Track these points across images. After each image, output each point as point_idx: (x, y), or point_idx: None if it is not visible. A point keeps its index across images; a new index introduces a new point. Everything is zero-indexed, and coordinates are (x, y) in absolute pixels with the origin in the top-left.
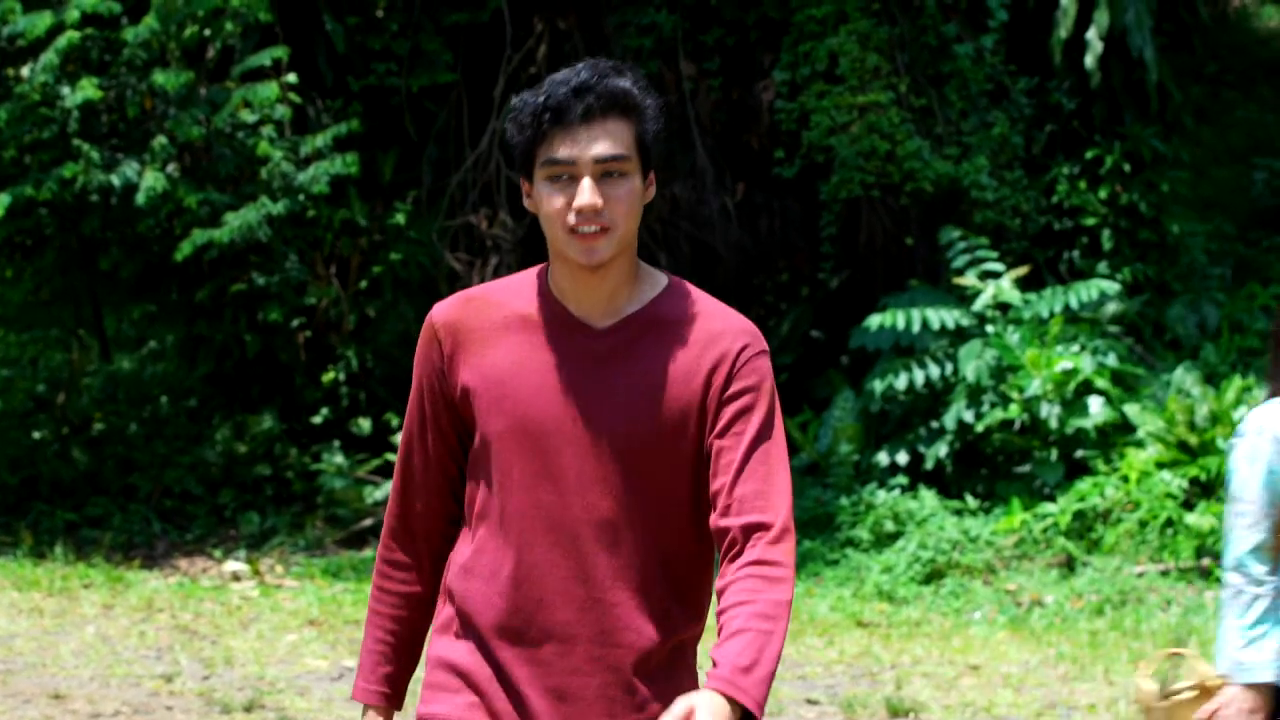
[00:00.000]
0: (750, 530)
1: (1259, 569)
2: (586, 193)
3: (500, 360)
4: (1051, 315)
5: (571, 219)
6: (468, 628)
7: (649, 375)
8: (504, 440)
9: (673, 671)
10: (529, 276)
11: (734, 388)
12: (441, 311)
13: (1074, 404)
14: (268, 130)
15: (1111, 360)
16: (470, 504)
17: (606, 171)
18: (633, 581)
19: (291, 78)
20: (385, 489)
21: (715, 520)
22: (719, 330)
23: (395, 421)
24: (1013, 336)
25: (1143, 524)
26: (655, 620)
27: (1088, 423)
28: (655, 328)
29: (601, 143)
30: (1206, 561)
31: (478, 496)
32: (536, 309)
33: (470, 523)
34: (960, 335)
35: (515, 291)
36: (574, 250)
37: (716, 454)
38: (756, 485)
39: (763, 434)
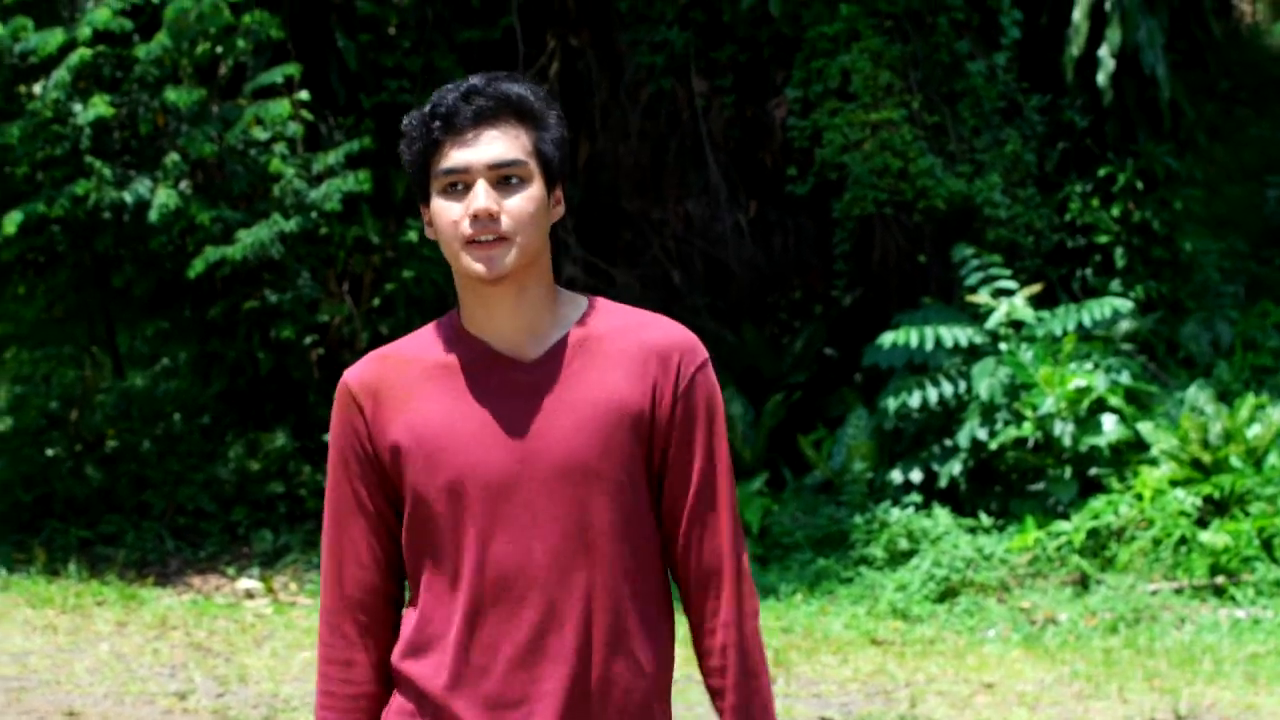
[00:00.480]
0: (707, 578)
1: None
2: (481, 196)
3: (430, 412)
4: (1065, 333)
5: (466, 227)
6: (433, 711)
7: (591, 401)
8: (447, 496)
9: (650, 715)
10: (436, 326)
11: (680, 409)
12: (355, 374)
13: (1087, 422)
14: (280, 147)
15: (1125, 378)
16: (413, 577)
17: (504, 178)
18: (611, 625)
19: (304, 95)
20: None
21: (672, 562)
22: (658, 341)
23: None
24: (1026, 354)
25: (1156, 542)
26: (638, 663)
27: (1101, 440)
28: (587, 348)
29: (496, 145)
30: (1220, 579)
31: (423, 566)
32: (457, 352)
33: (415, 598)
34: (974, 353)
35: (428, 342)
36: (471, 263)
37: (668, 487)
38: (709, 523)
39: (711, 461)
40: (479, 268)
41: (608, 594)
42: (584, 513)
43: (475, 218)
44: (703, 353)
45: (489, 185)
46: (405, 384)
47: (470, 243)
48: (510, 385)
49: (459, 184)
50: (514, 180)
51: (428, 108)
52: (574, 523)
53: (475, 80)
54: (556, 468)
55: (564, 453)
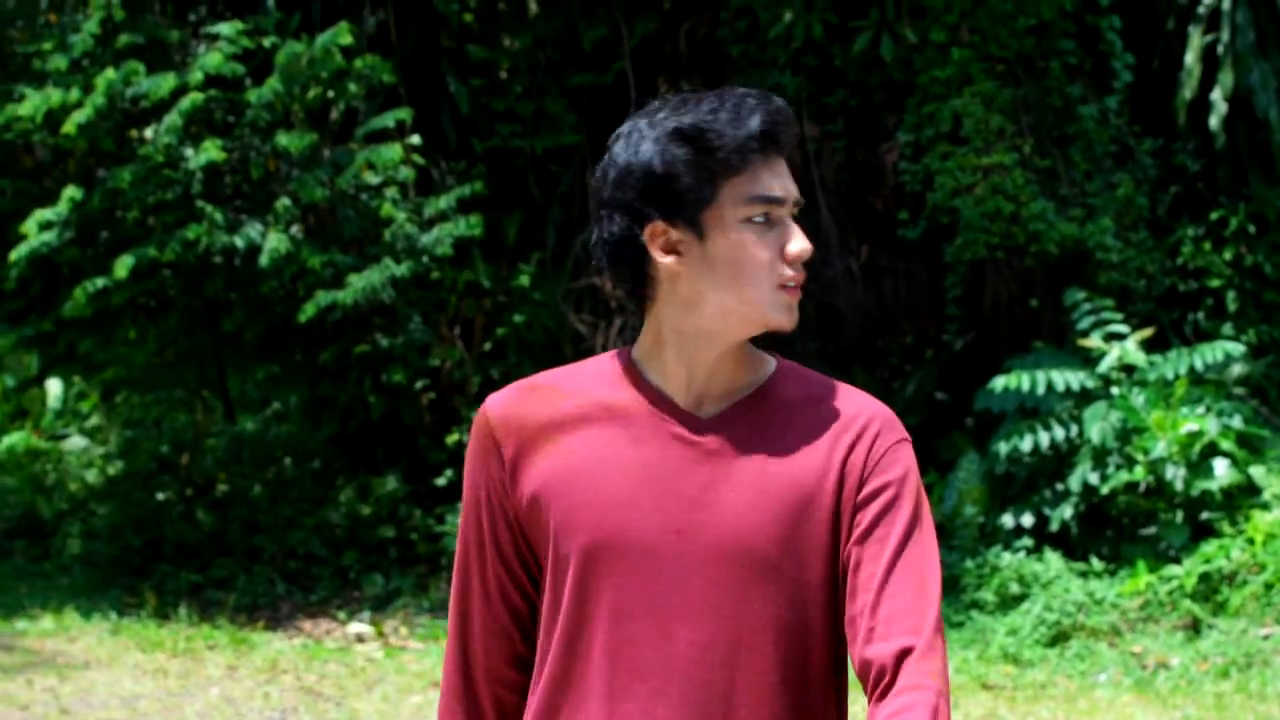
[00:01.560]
0: (900, 658)
1: None
2: (802, 237)
3: (579, 458)
4: (1176, 377)
5: (785, 270)
6: None
7: (770, 476)
8: (587, 559)
9: None
10: (607, 361)
11: (874, 484)
12: (499, 405)
13: (1199, 466)
14: (391, 192)
15: (1237, 422)
16: (541, 649)
17: (793, 215)
18: None
19: (415, 139)
20: None
21: (859, 650)
22: (852, 414)
23: None
24: (1138, 398)
25: (1268, 586)
26: None
27: (1213, 485)
28: (774, 414)
29: (790, 179)
30: None
31: (550, 638)
32: (624, 395)
33: (537, 675)
34: (1085, 397)
35: (593, 377)
36: (778, 310)
37: (855, 566)
38: (905, 601)
39: (910, 537)
40: (784, 317)
41: (759, 703)
42: (743, 604)
43: (794, 261)
44: (901, 429)
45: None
46: (556, 422)
47: (782, 287)
48: (680, 443)
49: (765, 216)
50: (795, 218)
51: (752, 119)
52: (729, 614)
53: (770, 98)
54: (719, 547)
55: (732, 532)
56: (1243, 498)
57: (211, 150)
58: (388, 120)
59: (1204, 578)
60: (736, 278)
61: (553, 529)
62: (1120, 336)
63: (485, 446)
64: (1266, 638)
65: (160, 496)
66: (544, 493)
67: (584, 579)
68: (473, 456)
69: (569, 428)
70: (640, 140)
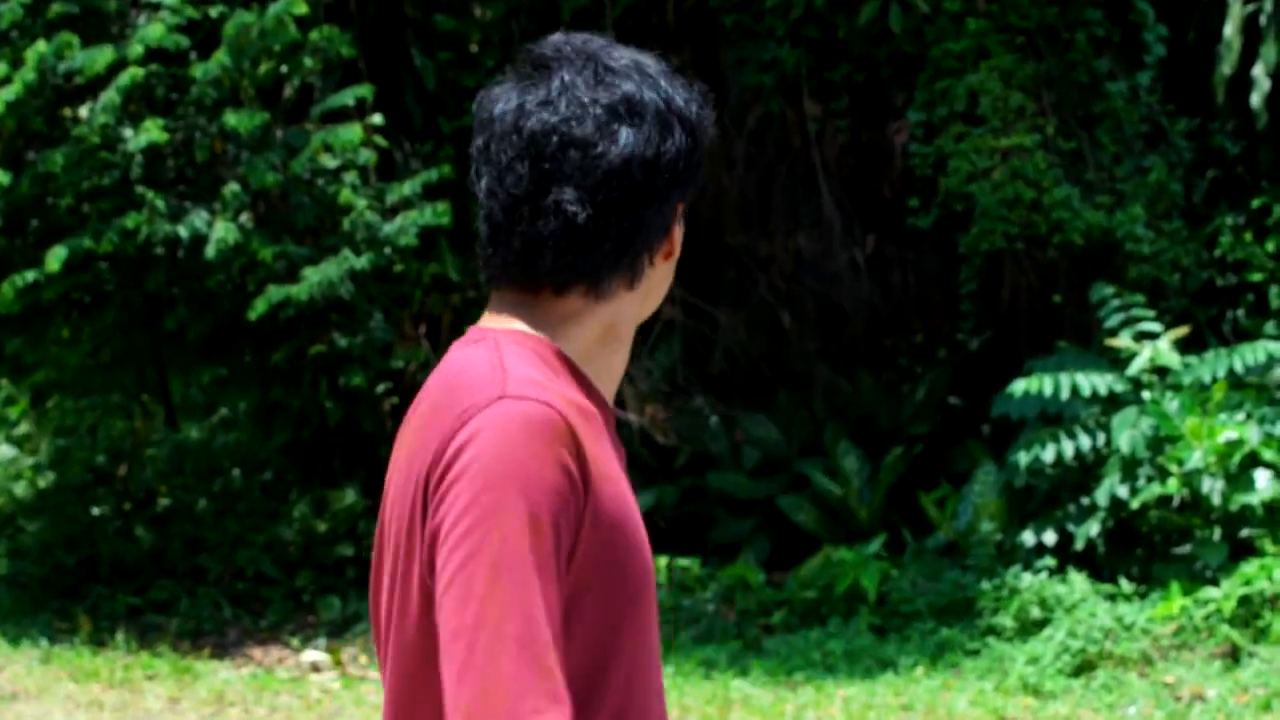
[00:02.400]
0: None
1: None
2: None
3: (617, 481)
4: (1214, 380)
5: None
6: None
7: None
8: (646, 598)
9: None
10: (543, 353)
11: None
12: (560, 403)
13: (1239, 478)
14: (350, 177)
15: None
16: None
17: None
18: None
19: (377, 119)
20: None
21: None
22: None
23: None
24: (1171, 404)
25: None
26: None
27: (1254, 499)
28: None
29: None
30: None
31: (604, 685)
32: (587, 404)
33: None
34: (1113, 402)
35: (552, 374)
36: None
37: None
38: None
39: None
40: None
41: None
42: None
43: None
44: None
45: None
46: (587, 430)
47: None
48: (622, 456)
49: None
50: None
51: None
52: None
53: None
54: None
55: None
56: None
57: (152, 131)
58: (346, 98)
59: (1244, 601)
60: (666, 271)
61: (621, 565)
62: (1152, 335)
63: (571, 452)
64: None
65: (95, 511)
66: (618, 522)
67: (644, 620)
68: (555, 462)
69: (595, 441)
70: (669, 101)
